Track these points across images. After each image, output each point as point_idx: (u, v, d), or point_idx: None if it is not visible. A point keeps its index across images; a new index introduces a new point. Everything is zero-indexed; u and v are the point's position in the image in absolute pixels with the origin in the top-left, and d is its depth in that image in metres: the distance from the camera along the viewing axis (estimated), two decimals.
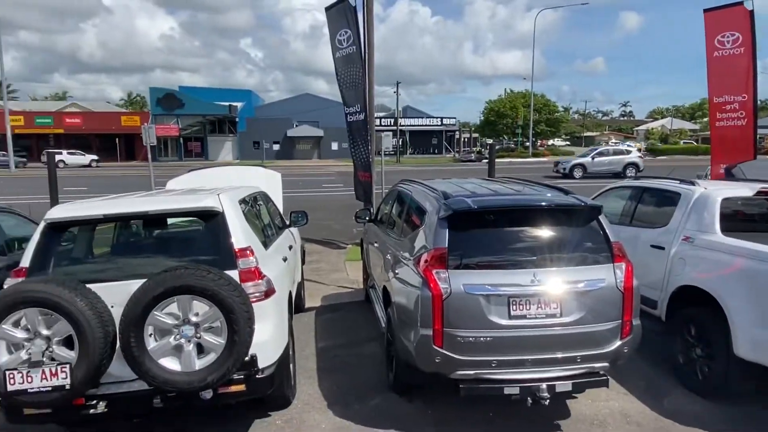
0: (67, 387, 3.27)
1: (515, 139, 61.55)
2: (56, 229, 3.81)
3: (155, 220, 4.27)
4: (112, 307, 3.43)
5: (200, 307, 3.40)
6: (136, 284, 3.38)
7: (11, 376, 3.22)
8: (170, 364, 3.39)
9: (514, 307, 3.78)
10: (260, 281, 3.83)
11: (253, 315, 3.52)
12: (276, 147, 57.23)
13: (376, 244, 6.12)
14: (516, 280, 3.79)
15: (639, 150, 35.60)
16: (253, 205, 5.01)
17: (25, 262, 3.67)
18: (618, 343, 3.86)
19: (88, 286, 3.44)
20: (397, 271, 4.55)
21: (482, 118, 67.37)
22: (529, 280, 3.78)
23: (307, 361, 5.55)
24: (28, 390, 3.24)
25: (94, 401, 3.46)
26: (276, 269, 4.38)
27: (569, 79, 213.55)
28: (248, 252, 3.85)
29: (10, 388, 3.23)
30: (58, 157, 46.35)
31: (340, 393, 4.81)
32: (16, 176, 34.90)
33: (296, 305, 6.85)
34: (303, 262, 7.81)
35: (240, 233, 3.91)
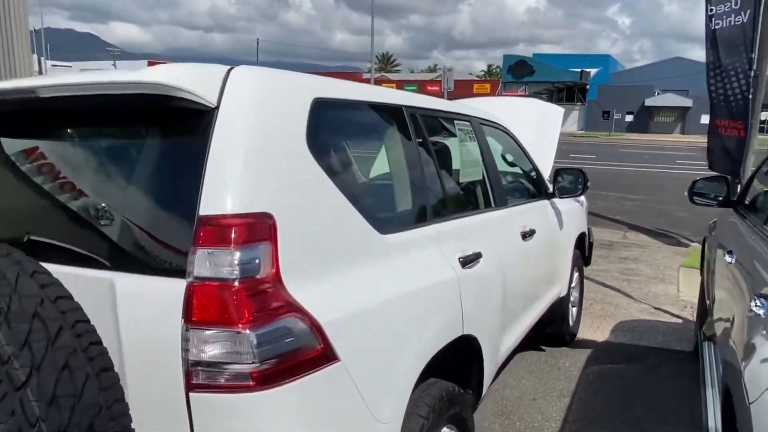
0: None
1: None
2: None
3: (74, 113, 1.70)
4: None
5: None
6: None
7: None
8: None
9: None
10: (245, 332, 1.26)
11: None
12: (629, 118, 50.42)
13: (730, 255, 2.70)
14: None
15: None
16: (426, 134, 2.31)
17: None
18: None
19: None
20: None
21: None
22: None
23: None
24: None
25: None
26: (394, 287, 1.71)
27: None
28: (239, 225, 1.31)
29: None
30: None
31: None
32: None
33: (554, 334, 4.03)
34: (588, 260, 4.71)
35: (241, 168, 1.38)
